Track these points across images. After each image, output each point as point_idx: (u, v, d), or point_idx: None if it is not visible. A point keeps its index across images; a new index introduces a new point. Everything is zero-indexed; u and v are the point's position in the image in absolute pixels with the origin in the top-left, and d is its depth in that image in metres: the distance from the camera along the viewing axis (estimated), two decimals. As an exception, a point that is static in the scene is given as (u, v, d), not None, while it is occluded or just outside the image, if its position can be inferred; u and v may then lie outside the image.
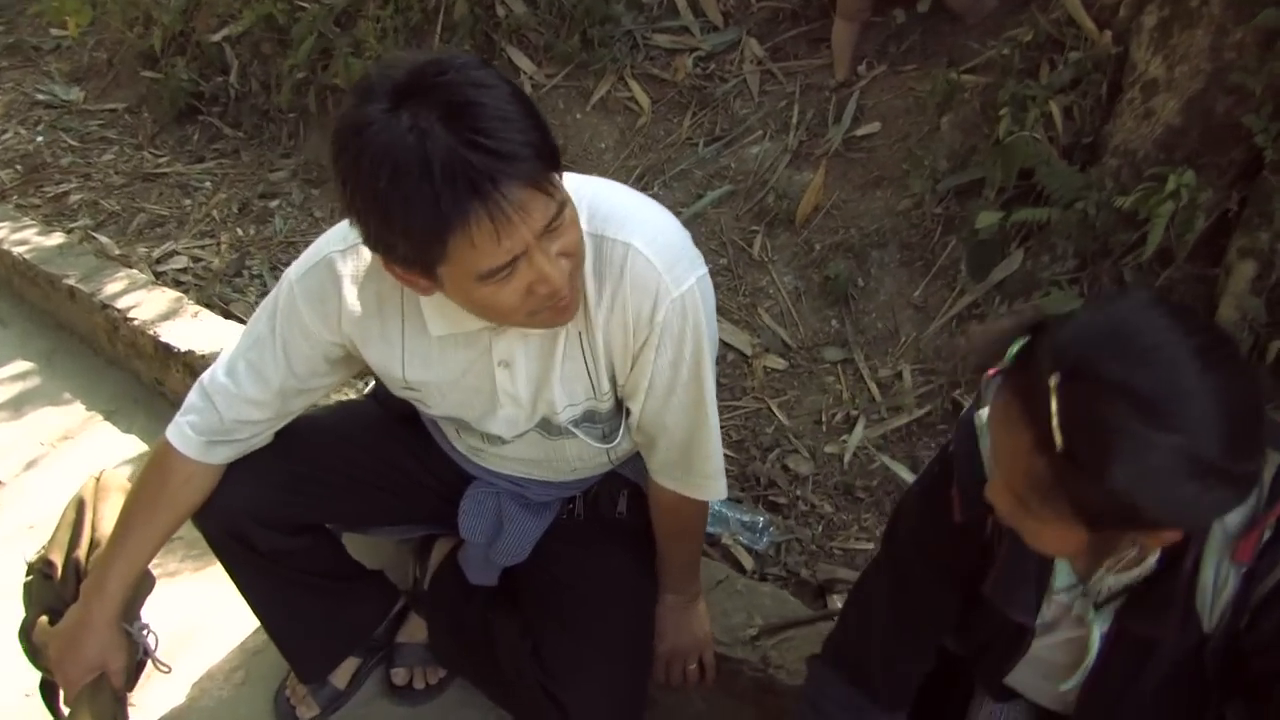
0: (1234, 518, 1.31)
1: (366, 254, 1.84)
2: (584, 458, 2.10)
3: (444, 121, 1.45)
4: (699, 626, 2.21)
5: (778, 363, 3.08)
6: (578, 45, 3.88)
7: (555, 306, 1.65)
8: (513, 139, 1.47)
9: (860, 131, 3.43)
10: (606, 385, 1.90)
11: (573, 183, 1.70)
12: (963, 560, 1.57)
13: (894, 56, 3.57)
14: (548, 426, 2.00)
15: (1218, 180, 2.59)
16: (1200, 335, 1.14)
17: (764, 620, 2.26)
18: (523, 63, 4.01)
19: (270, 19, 4.60)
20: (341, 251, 1.88)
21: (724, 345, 3.09)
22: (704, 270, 1.82)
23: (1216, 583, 1.35)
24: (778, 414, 2.92)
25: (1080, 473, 1.14)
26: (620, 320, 1.79)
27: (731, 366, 3.09)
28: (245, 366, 1.96)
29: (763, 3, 3.84)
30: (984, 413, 1.47)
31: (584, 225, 1.71)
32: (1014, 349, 1.25)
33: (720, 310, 3.18)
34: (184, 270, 4.00)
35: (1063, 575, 1.50)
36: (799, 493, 2.69)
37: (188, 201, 4.49)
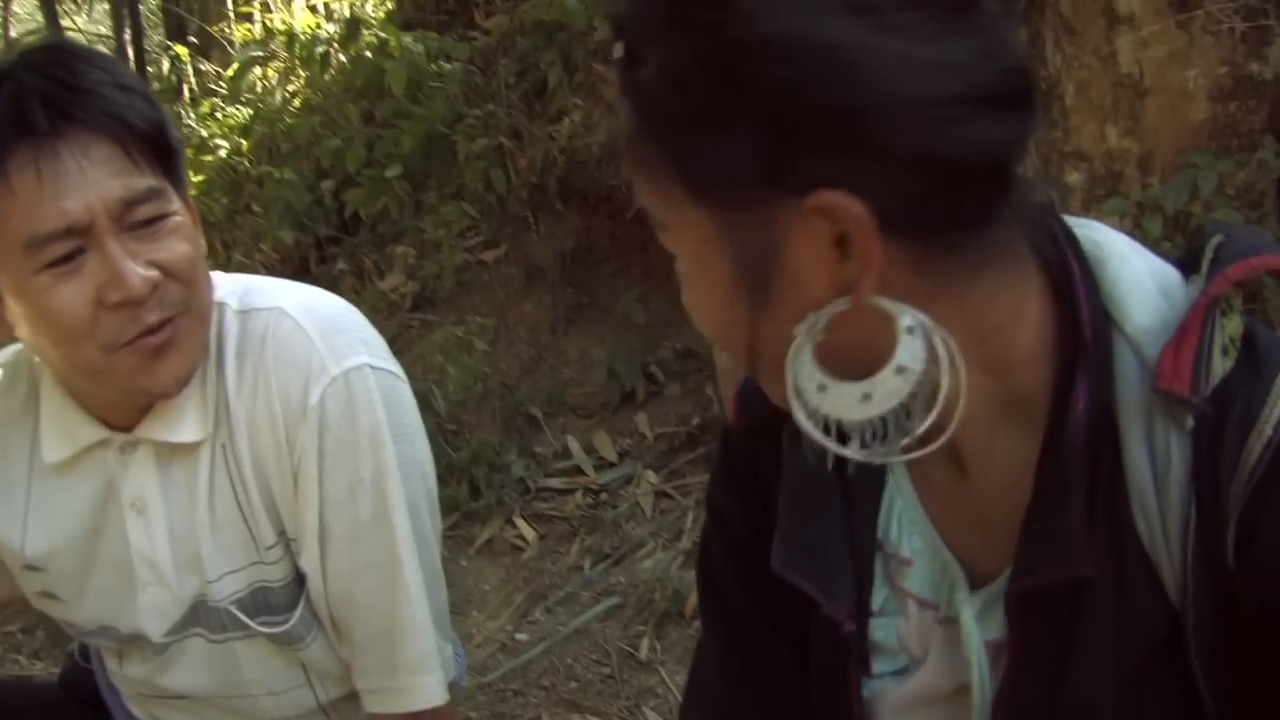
0: (1145, 321, 0.81)
1: None
2: (273, 685, 1.51)
3: (22, 62, 1.23)
4: None
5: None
6: (466, 493, 3.65)
7: (143, 344, 1.26)
8: (102, 81, 1.23)
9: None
10: (270, 532, 1.40)
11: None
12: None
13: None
14: (208, 617, 1.45)
15: None
16: None
17: None
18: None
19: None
20: None
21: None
22: (389, 364, 1.41)
23: (1155, 462, 0.79)
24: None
25: (639, 68, 0.76)
26: (266, 409, 1.35)
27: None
28: None
29: (659, 431, 3.68)
30: None
31: (234, 305, 1.39)
32: None
33: (597, 714, 2.64)
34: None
35: (908, 520, 0.94)
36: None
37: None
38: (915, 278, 0.75)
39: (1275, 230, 2.25)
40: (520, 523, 3.58)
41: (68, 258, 1.21)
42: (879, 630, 0.95)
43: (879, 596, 0.95)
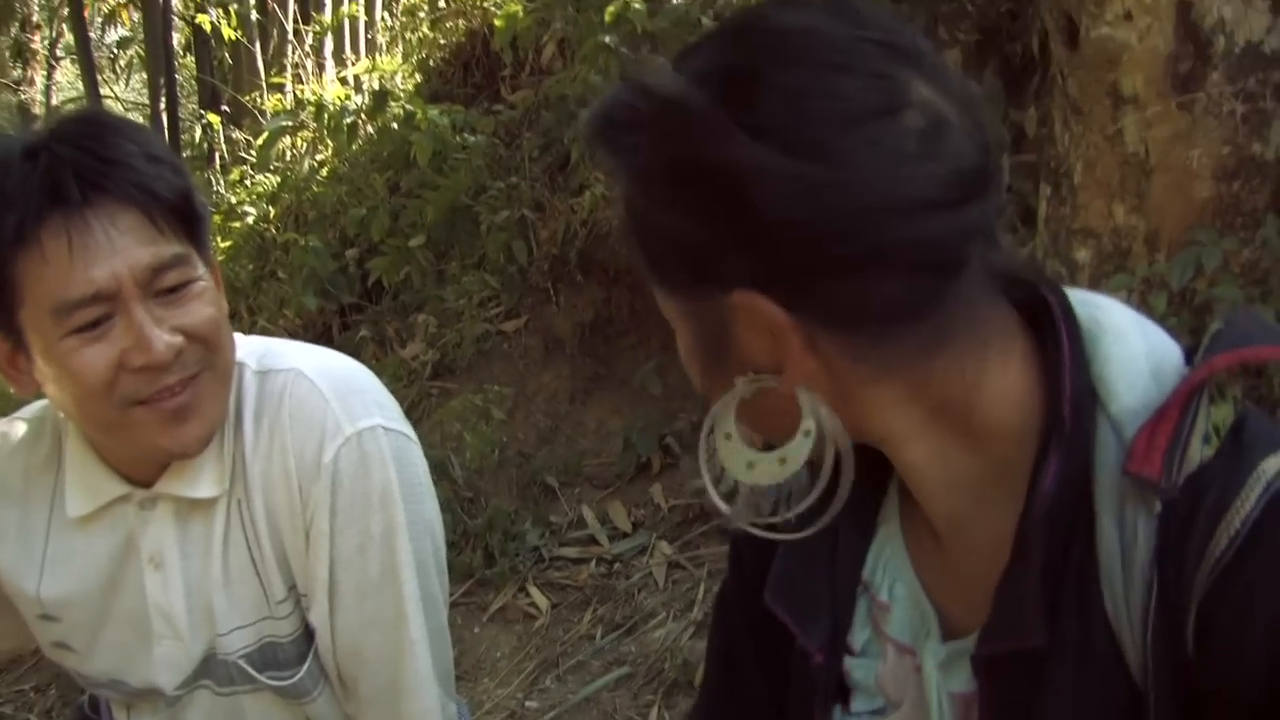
0: (1129, 402, 0.81)
1: (19, 428, 1.53)
2: None
3: (57, 134, 1.28)
4: None
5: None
6: (480, 560, 3.66)
7: (162, 405, 1.30)
8: (132, 153, 1.28)
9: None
10: (281, 587, 1.43)
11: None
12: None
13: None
14: (216, 670, 1.48)
15: None
16: None
17: None
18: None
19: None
20: None
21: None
22: (401, 425, 1.45)
23: (1124, 539, 0.79)
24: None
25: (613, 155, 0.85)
26: (281, 467, 1.39)
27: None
28: None
29: (674, 503, 3.69)
30: None
31: (253, 366, 1.44)
32: None
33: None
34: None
35: (893, 568, 0.97)
36: None
37: None
38: (854, 364, 0.81)
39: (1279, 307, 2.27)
40: (533, 591, 3.59)
41: (95, 323, 1.25)
42: (858, 670, 0.98)
43: (861, 636, 0.98)
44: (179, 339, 1.28)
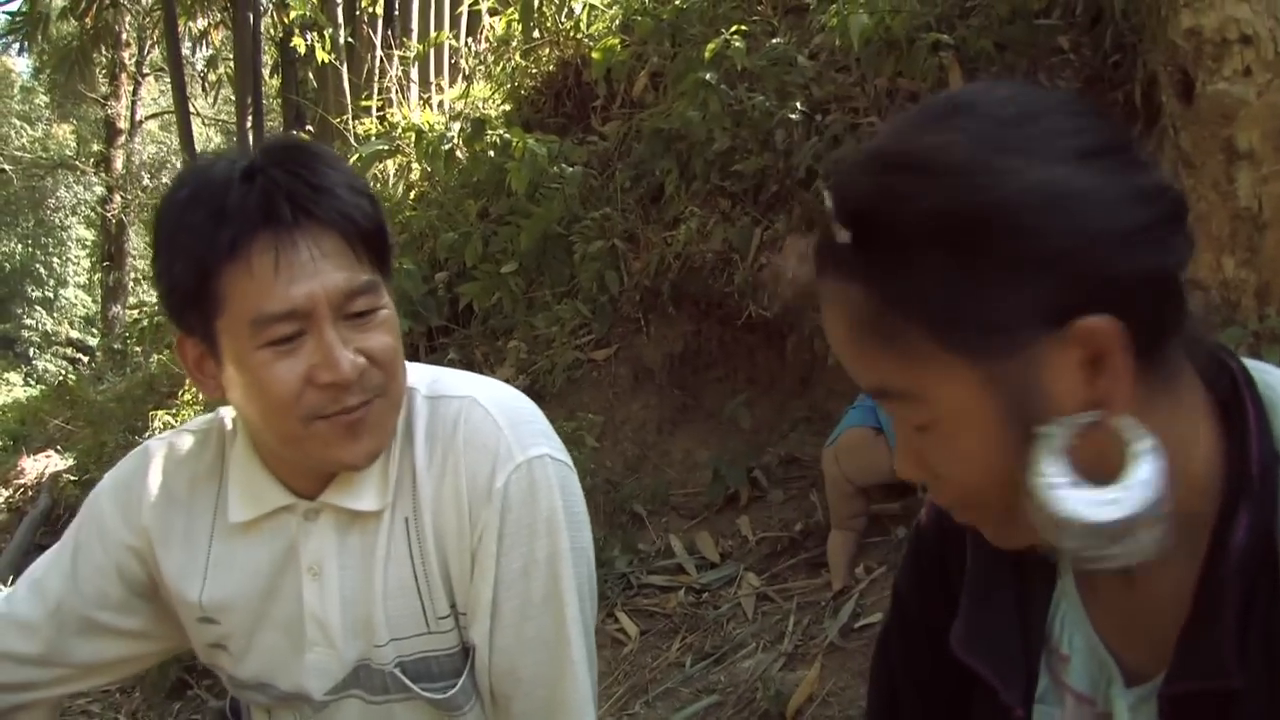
0: None
1: (187, 440, 1.61)
2: None
3: (271, 158, 1.36)
4: None
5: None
6: (570, 588, 3.71)
7: (340, 420, 1.37)
8: (338, 184, 1.36)
9: (859, 623, 3.11)
10: (443, 604, 1.48)
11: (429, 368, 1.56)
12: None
13: (894, 562, 3.34)
14: (369, 679, 1.54)
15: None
16: None
17: None
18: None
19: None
20: (162, 439, 1.65)
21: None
22: (565, 456, 1.51)
23: None
24: None
25: (878, 249, 0.82)
26: (452, 488, 1.45)
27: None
28: (27, 585, 1.62)
29: (762, 535, 3.72)
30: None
31: (424, 391, 1.50)
32: None
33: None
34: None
35: (1070, 621, 1.02)
36: None
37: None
38: (1135, 391, 0.83)
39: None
40: (622, 617, 3.64)
41: (288, 339, 1.31)
42: (1038, 717, 1.02)
43: (1040, 685, 1.02)
44: (362, 360, 1.35)
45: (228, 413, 1.56)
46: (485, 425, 1.44)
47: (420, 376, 1.51)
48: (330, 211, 1.31)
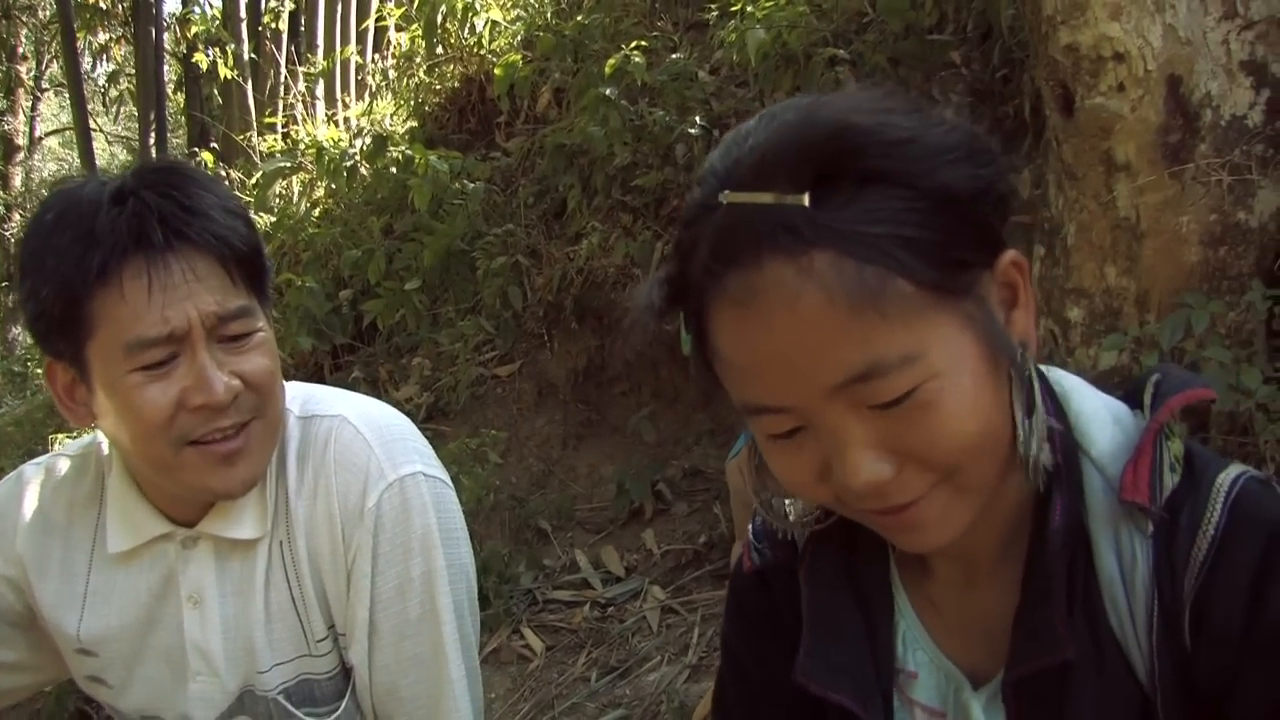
0: (1106, 446, 0.94)
1: (64, 465, 1.57)
2: None
3: (142, 181, 1.33)
4: None
5: None
6: (474, 604, 3.69)
7: (214, 448, 1.35)
8: (212, 206, 1.34)
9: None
10: (321, 626, 1.47)
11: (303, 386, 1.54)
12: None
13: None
14: (254, 706, 1.52)
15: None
16: None
17: None
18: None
19: None
20: (38, 463, 1.60)
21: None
22: (440, 473, 1.51)
23: (1122, 564, 0.90)
24: None
25: (837, 204, 0.82)
26: (325, 510, 1.44)
27: None
28: None
29: (666, 548, 3.73)
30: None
31: (296, 411, 1.49)
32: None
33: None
34: None
35: (911, 639, 1.05)
36: None
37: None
38: None
39: (1265, 368, 2.34)
40: (528, 633, 3.62)
41: (161, 363, 1.30)
42: None
43: (895, 705, 1.05)
44: (237, 383, 1.33)
45: (105, 438, 1.52)
46: (355, 444, 1.43)
47: (293, 395, 1.49)
48: (204, 234, 1.30)
